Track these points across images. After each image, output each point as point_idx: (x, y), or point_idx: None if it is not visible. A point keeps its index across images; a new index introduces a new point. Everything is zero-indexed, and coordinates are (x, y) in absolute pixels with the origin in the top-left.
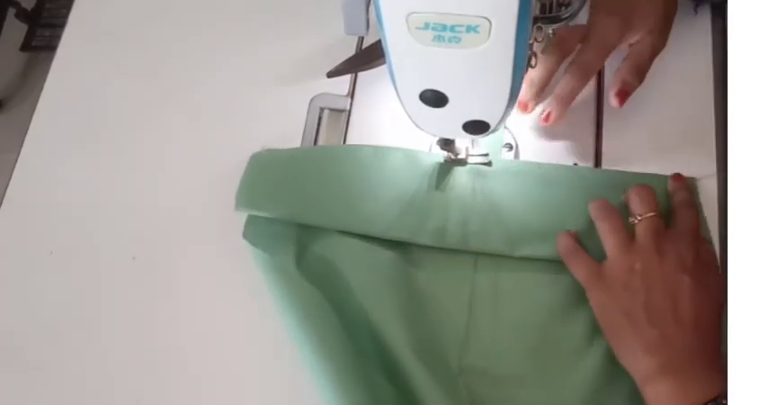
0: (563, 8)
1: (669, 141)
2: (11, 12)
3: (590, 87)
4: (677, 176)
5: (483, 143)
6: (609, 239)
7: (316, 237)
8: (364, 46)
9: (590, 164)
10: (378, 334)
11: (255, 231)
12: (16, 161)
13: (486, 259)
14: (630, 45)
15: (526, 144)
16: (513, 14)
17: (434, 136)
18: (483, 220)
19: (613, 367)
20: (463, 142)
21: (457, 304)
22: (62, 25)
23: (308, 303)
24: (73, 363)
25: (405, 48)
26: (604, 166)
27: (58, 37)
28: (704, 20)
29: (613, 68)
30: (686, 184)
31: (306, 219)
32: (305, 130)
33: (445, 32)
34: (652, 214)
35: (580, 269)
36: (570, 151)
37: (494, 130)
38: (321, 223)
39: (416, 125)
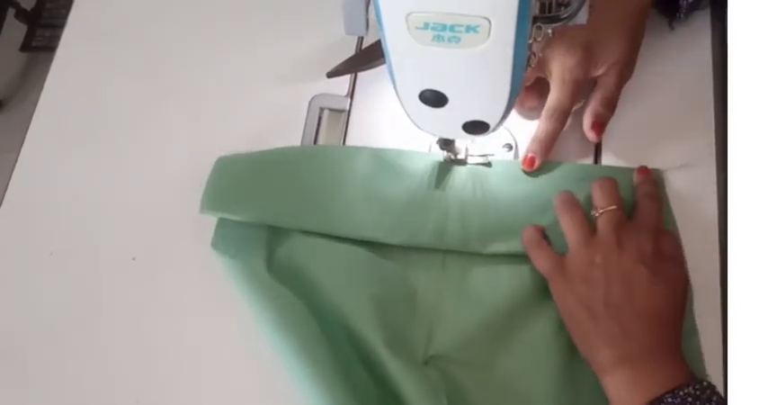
0: (562, 8)
1: (669, 139)
2: (11, 12)
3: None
4: (642, 169)
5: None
6: (570, 233)
7: (284, 238)
8: (364, 46)
9: (590, 162)
10: (352, 329)
11: (224, 237)
12: (16, 161)
13: (455, 255)
14: (597, 77)
15: (526, 144)
16: (513, 14)
17: (434, 136)
18: (453, 219)
19: (577, 358)
20: (463, 142)
21: (425, 298)
22: (62, 25)
23: (281, 304)
24: (73, 363)
25: (404, 48)
26: (604, 163)
27: (58, 37)
28: (704, 20)
29: None
30: (651, 177)
31: (272, 219)
32: (305, 130)
33: (445, 32)
34: (613, 207)
35: (543, 262)
36: (570, 150)
37: (493, 130)
38: (288, 224)
39: (416, 125)
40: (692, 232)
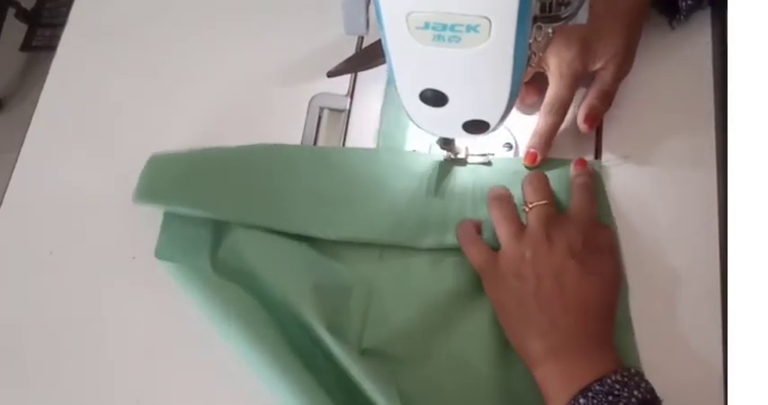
0: (563, 7)
1: (669, 138)
2: (11, 11)
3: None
4: (579, 161)
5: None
6: (501, 228)
7: (226, 234)
8: (364, 46)
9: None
10: (300, 317)
11: (169, 242)
12: (16, 161)
13: (393, 250)
14: (595, 71)
15: (525, 143)
16: (513, 14)
17: (434, 135)
18: (390, 214)
19: (512, 353)
20: (463, 142)
21: (359, 291)
22: (62, 25)
23: (231, 299)
24: (73, 362)
25: (405, 47)
26: (604, 163)
27: (58, 37)
28: (704, 20)
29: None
30: (587, 169)
31: (211, 210)
32: (305, 130)
33: (445, 32)
34: (543, 202)
35: (475, 257)
36: (570, 149)
37: (493, 130)
38: (227, 215)
39: (416, 124)
40: (692, 232)
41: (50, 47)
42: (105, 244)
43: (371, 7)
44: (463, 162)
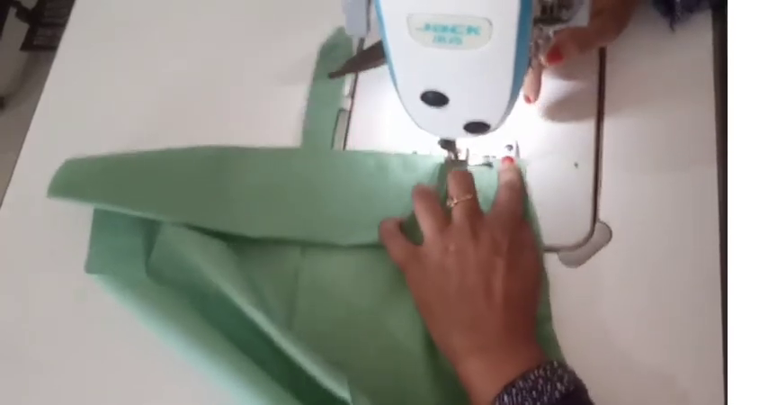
0: (564, 10)
1: (669, 139)
2: (12, 11)
3: (592, 86)
4: (506, 158)
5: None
6: (424, 221)
7: (155, 239)
8: (365, 46)
9: (590, 162)
10: (240, 313)
11: (99, 254)
12: (16, 160)
13: (314, 248)
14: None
15: (526, 143)
16: (514, 16)
17: (435, 136)
18: (312, 211)
19: (437, 352)
20: (464, 142)
21: (283, 290)
22: (63, 25)
23: (167, 304)
24: (73, 363)
25: (406, 49)
26: (604, 164)
27: (59, 36)
28: (704, 20)
29: (616, 60)
30: (514, 166)
31: (128, 205)
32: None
33: (446, 33)
34: (468, 197)
35: (397, 252)
36: (571, 150)
37: (494, 130)
38: (145, 209)
39: (417, 125)
40: (693, 233)
41: (51, 47)
42: None
43: (372, 8)
44: (464, 164)
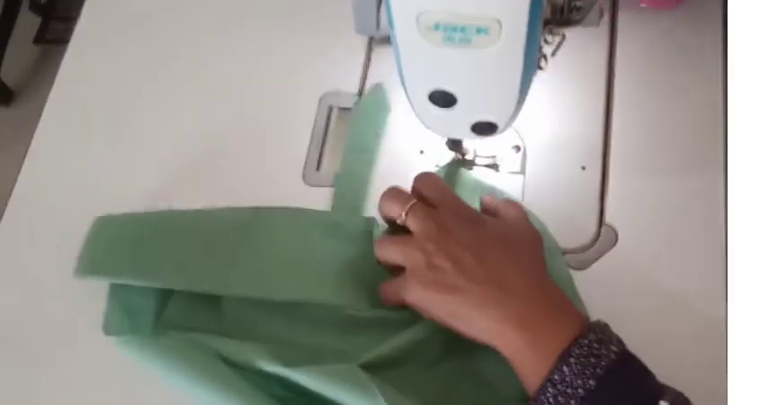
0: (573, 11)
1: (677, 143)
2: (25, 4)
3: (598, 88)
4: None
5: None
6: (392, 253)
7: (174, 299)
8: (374, 44)
9: (598, 165)
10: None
11: (115, 314)
12: (27, 152)
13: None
14: None
15: (533, 145)
16: (524, 16)
17: (443, 136)
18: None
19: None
20: (471, 143)
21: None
22: (75, 18)
23: (196, 359)
24: (80, 354)
25: (415, 48)
26: (611, 167)
27: (71, 30)
28: (714, 24)
29: (624, 61)
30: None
31: (150, 280)
32: (314, 128)
33: (455, 33)
34: (411, 202)
35: (395, 292)
36: (578, 153)
37: (502, 131)
38: (164, 283)
39: (425, 125)
40: (699, 237)
41: (63, 40)
42: None
43: (382, 7)
44: (471, 164)
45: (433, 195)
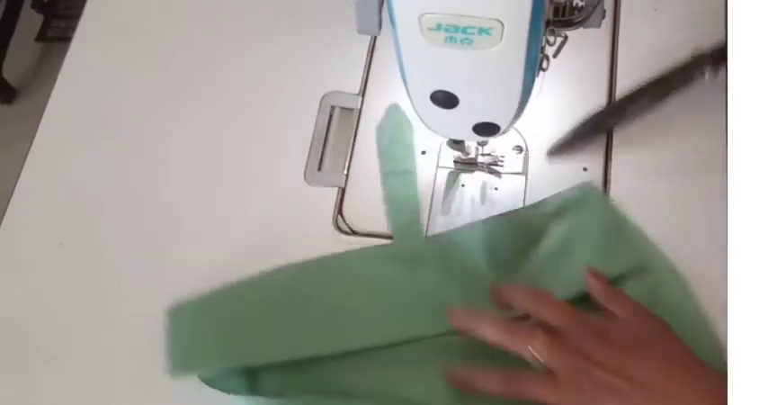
0: (576, 12)
1: (679, 145)
2: (27, 2)
3: (600, 90)
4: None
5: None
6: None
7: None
8: (376, 45)
9: (600, 166)
10: None
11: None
12: (29, 150)
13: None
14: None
15: (535, 146)
16: (526, 17)
17: (444, 137)
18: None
19: None
20: (473, 142)
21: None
22: (78, 16)
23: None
24: (80, 353)
25: (417, 48)
26: (613, 169)
27: (74, 28)
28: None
29: (626, 63)
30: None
31: (252, 358)
32: (315, 129)
33: (457, 34)
34: (537, 333)
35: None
36: (580, 154)
37: (504, 132)
38: (265, 359)
39: (426, 126)
40: (702, 240)
41: (66, 38)
42: (115, 236)
43: (384, 7)
44: (473, 162)
45: (557, 322)
